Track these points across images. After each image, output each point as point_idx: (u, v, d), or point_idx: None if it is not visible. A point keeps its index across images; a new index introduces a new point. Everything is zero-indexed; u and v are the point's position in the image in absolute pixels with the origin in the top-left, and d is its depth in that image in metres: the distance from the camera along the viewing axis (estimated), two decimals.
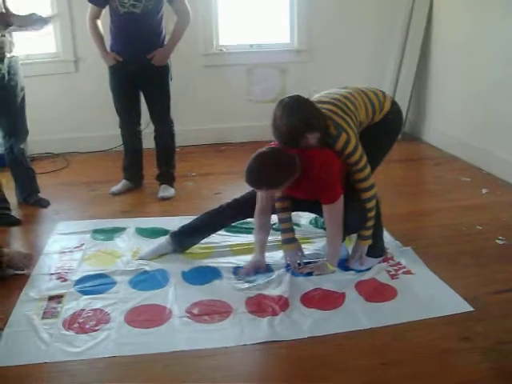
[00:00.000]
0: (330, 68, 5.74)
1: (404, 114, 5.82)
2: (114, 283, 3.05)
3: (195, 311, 2.77)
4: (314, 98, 3.10)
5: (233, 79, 5.78)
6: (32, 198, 4.23)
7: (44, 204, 4.21)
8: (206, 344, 2.52)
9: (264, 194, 3.04)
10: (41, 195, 4.29)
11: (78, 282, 3.06)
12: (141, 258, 3.31)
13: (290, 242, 3.23)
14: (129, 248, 3.48)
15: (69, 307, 2.81)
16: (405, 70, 5.91)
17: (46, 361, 2.40)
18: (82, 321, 2.69)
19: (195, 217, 3.47)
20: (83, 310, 2.79)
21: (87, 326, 2.64)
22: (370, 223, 3.11)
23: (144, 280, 3.09)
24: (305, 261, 3.25)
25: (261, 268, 3.15)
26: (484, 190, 4.43)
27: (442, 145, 5.59)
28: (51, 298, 2.89)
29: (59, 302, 2.85)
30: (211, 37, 5.68)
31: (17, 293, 2.94)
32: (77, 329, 2.63)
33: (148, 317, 2.73)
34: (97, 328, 2.63)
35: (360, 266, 3.18)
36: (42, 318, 2.71)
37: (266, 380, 2.35)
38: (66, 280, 3.08)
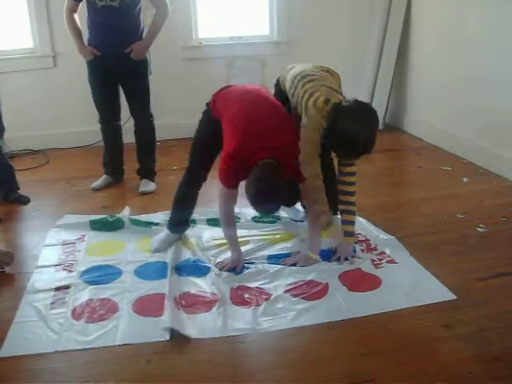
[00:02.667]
0: (309, 60, 5.62)
1: (384, 105, 5.87)
2: (119, 273, 3.08)
3: (183, 302, 2.79)
4: (306, 77, 3.07)
5: (212, 72, 5.73)
6: (12, 195, 4.19)
7: (24, 201, 4.17)
8: (191, 335, 2.52)
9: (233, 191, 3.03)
10: (21, 192, 4.25)
11: (84, 272, 3.09)
12: (156, 251, 3.31)
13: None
14: (132, 238, 3.50)
15: (76, 297, 2.84)
16: (385, 60, 5.91)
17: (58, 349, 2.43)
18: (90, 310, 2.72)
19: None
20: (91, 299, 2.82)
21: (96, 316, 2.67)
22: (353, 217, 3.20)
23: (149, 270, 3.13)
24: (287, 252, 3.28)
25: (238, 266, 3.12)
26: (465, 179, 4.45)
27: (423, 134, 5.61)
28: (58, 289, 2.91)
29: (66, 293, 2.88)
30: (190, 30, 5.66)
31: (21, 285, 2.97)
32: (86, 318, 2.66)
33: (154, 306, 2.74)
34: (106, 317, 2.66)
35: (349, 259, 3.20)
36: (51, 308, 2.73)
37: (250, 372, 2.35)
38: (71, 271, 3.11)
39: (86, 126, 5.23)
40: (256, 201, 2.75)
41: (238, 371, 2.34)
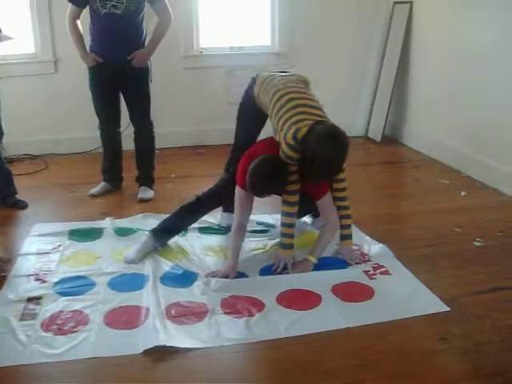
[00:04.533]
0: (310, 71, 5.70)
1: (384, 117, 5.89)
2: (93, 284, 3.03)
3: (172, 312, 2.76)
4: (282, 98, 3.14)
5: (213, 81, 5.77)
6: (9, 200, 4.19)
7: (22, 206, 4.17)
8: (184, 345, 2.50)
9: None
10: (18, 197, 4.24)
11: (57, 283, 3.04)
12: (132, 262, 3.27)
13: (290, 247, 3.23)
14: (108, 249, 3.46)
15: (47, 309, 2.78)
16: (385, 73, 5.95)
17: (24, 363, 2.37)
18: (60, 322, 2.66)
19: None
20: (62, 311, 2.76)
21: (66, 328, 2.62)
22: (350, 221, 3.28)
23: (123, 281, 3.08)
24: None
25: (230, 275, 3.11)
26: (463, 193, 4.46)
27: (422, 147, 5.62)
28: (30, 300, 2.85)
29: (38, 304, 2.82)
30: (191, 39, 5.68)
31: None
32: (55, 330, 2.60)
33: (127, 318, 2.71)
34: (75, 329, 2.61)
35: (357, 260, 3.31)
36: (20, 319, 2.68)
37: (244, 381, 2.32)
38: (44, 281, 3.05)
39: (85, 132, 5.23)
40: (252, 175, 2.94)
41: (233, 380, 2.32)
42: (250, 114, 3.51)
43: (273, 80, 3.30)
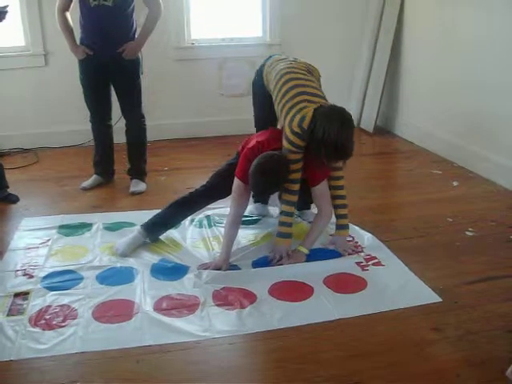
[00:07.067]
0: None
1: (376, 108, 5.89)
2: (81, 279, 3.02)
3: (164, 305, 2.76)
4: (288, 83, 3.14)
5: (204, 73, 5.75)
6: (1, 194, 4.16)
7: (13, 199, 4.15)
8: (176, 338, 2.50)
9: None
10: (10, 190, 4.22)
11: (45, 278, 3.02)
12: (121, 255, 3.26)
13: (287, 236, 3.23)
14: (96, 243, 3.45)
15: (35, 304, 2.77)
16: (377, 63, 5.94)
17: (12, 358, 2.36)
18: (48, 317, 2.65)
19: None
20: (50, 306, 2.75)
21: (54, 323, 2.61)
22: (346, 211, 3.27)
23: (111, 275, 3.07)
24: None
25: (222, 267, 3.10)
26: (455, 183, 4.47)
27: (414, 138, 5.62)
28: (17, 295, 2.84)
29: (25, 299, 2.81)
30: (183, 30, 5.64)
31: None
32: (43, 325, 2.59)
33: (116, 312, 2.71)
34: (64, 324, 2.60)
35: (350, 251, 3.30)
36: (8, 315, 2.67)
37: (239, 373, 2.33)
38: (32, 276, 3.03)
39: (76, 125, 5.21)
40: (255, 173, 2.93)
41: (226, 372, 2.33)
42: (260, 95, 3.49)
43: (278, 65, 3.29)
